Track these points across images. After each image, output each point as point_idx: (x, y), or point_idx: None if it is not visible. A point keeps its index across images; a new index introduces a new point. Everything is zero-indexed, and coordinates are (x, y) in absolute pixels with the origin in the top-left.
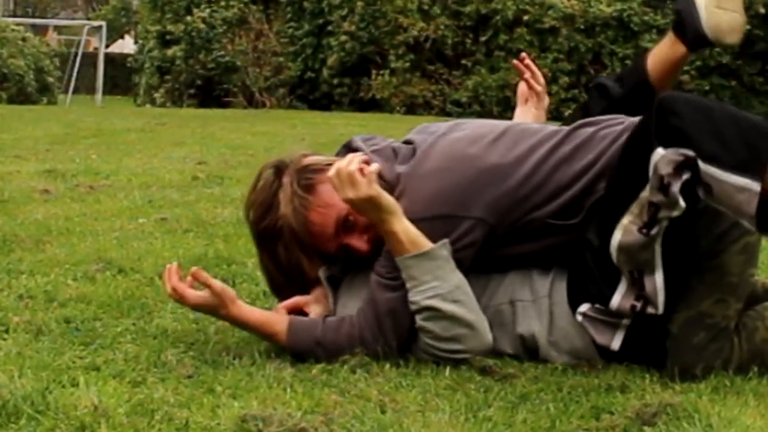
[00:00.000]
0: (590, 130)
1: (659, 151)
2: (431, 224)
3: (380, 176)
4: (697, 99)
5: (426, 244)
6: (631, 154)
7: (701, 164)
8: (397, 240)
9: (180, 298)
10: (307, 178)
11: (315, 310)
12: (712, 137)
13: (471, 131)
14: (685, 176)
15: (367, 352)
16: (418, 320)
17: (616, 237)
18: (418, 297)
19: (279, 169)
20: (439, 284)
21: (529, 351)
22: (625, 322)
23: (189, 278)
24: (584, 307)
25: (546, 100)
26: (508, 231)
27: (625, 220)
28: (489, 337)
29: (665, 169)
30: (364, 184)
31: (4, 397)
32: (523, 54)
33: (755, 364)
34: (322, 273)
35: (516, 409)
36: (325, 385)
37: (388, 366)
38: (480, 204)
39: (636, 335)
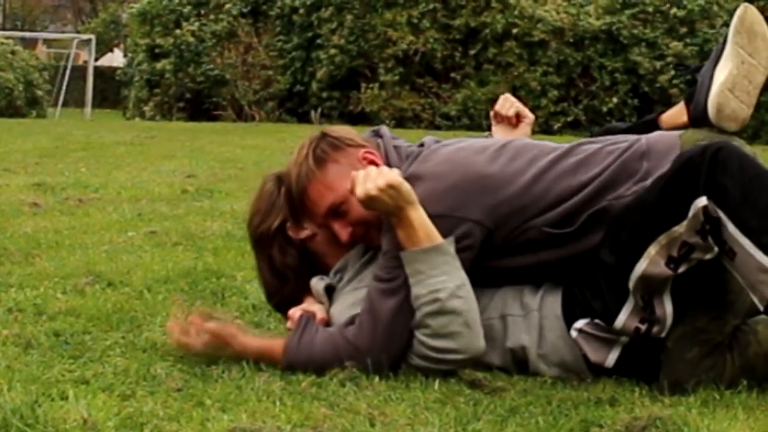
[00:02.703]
0: (595, 146)
1: (703, 200)
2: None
3: None
4: (752, 165)
5: (438, 237)
6: (671, 187)
7: (733, 230)
8: (412, 229)
9: (186, 349)
10: (323, 150)
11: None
12: (754, 212)
13: (472, 143)
14: (709, 227)
15: (359, 364)
16: (418, 315)
17: (642, 265)
18: (423, 290)
19: (280, 180)
20: (447, 279)
21: (518, 364)
22: (624, 339)
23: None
24: (581, 323)
25: (528, 118)
26: (505, 240)
27: (652, 249)
28: (482, 341)
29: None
30: (387, 171)
31: None
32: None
33: (747, 378)
34: (317, 283)
35: (505, 423)
36: (315, 398)
37: (377, 379)
38: (478, 207)
39: (631, 352)
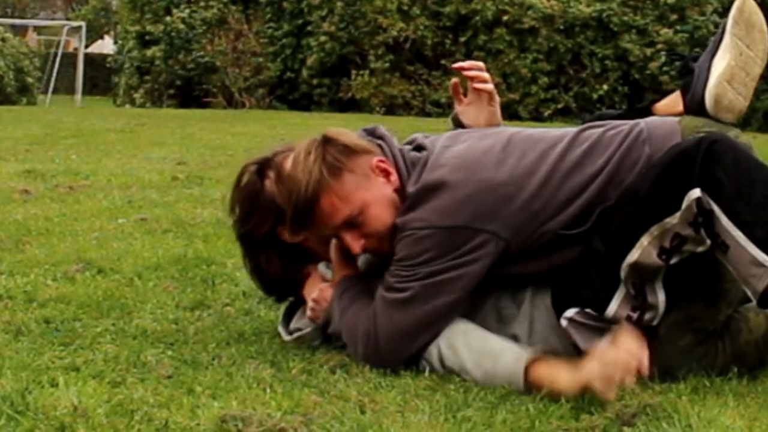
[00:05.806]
0: (598, 131)
1: (697, 192)
2: (445, 233)
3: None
4: (746, 158)
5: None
6: (664, 178)
7: (726, 223)
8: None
9: None
10: (335, 157)
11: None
12: (748, 206)
13: (475, 142)
14: (702, 219)
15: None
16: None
17: (633, 255)
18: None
19: (261, 169)
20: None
21: None
22: (615, 327)
23: None
24: (571, 312)
25: (497, 97)
26: (520, 248)
27: (645, 240)
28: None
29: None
30: (632, 363)
31: None
32: (457, 65)
33: (737, 365)
34: (325, 272)
35: (495, 410)
36: (305, 385)
37: (367, 366)
38: (495, 219)
39: None
